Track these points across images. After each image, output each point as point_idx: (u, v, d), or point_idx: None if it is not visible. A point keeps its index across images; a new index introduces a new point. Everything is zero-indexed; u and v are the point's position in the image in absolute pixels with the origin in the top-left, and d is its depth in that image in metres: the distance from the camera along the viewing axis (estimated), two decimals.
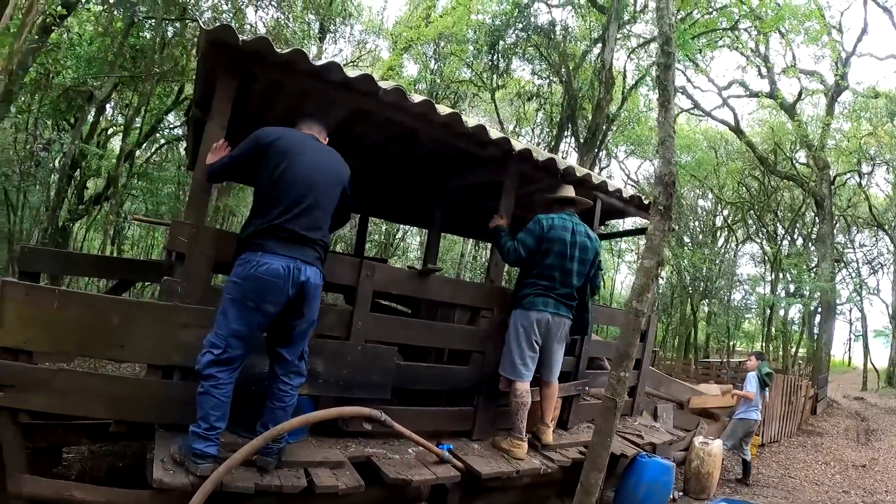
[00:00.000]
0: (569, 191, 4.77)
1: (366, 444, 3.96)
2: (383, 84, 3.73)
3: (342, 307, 4.69)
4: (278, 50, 3.40)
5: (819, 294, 21.08)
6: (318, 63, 3.53)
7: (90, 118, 13.18)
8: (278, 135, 3.23)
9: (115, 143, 17.80)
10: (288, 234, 3.09)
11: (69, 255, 6.35)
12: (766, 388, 8.53)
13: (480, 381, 4.60)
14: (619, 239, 23.12)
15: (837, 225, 25.32)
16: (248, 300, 3.02)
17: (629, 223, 19.04)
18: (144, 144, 15.73)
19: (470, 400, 4.68)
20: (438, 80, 18.28)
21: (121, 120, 16.50)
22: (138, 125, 14.51)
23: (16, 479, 3.14)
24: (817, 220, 23.14)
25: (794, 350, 28.26)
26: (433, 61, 18.65)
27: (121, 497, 3.20)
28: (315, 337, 3.73)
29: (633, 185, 27.95)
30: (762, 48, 21.02)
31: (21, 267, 4.45)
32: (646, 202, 5.90)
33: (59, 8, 9.76)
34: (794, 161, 24.18)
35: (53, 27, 10.24)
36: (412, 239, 25.53)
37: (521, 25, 16.50)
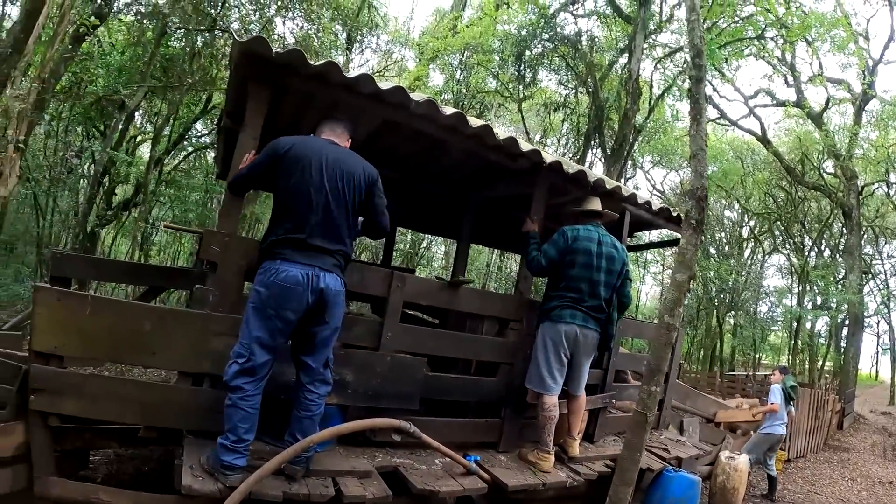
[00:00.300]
0: (595, 203, 4.75)
1: (393, 454, 3.96)
2: (415, 96, 3.74)
3: (371, 317, 4.70)
4: (311, 62, 3.42)
5: (846, 306, 20.71)
6: (351, 75, 3.55)
7: (119, 126, 13.40)
8: (292, 144, 3.22)
9: (143, 151, 18.11)
10: (305, 244, 3.10)
11: (100, 260, 6.45)
12: (791, 402, 8.36)
13: (508, 393, 4.59)
14: (644, 251, 22.90)
15: (865, 236, 24.87)
16: (269, 307, 3.04)
17: (654, 235, 18.94)
18: (172, 152, 15.96)
19: (497, 412, 4.67)
20: (464, 91, 18.29)
21: (149, 128, 16.78)
22: (167, 133, 14.72)
23: (43, 481, 3.18)
24: (845, 231, 22.79)
25: (820, 363, 27.77)
26: (459, 71, 18.66)
27: (147, 501, 3.24)
28: (345, 347, 3.75)
29: (658, 196, 27.71)
30: (788, 57, 20.76)
31: (53, 272, 4.50)
32: (674, 214, 5.86)
33: (92, 18, 9.95)
34: (822, 171, 23.82)
35: (86, 36, 10.44)
36: (437, 248, 25.54)
37: (547, 36, 16.46)
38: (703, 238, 3.87)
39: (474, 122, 4.03)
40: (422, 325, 6.11)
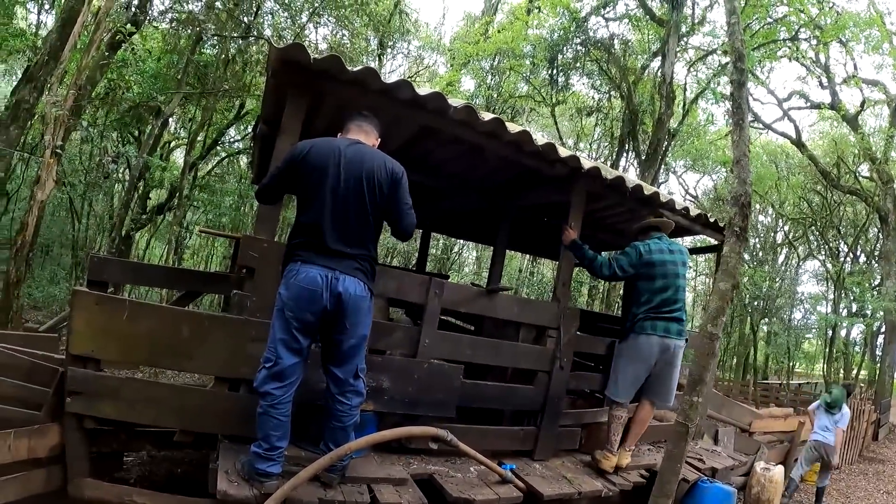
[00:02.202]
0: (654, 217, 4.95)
1: (428, 462, 3.93)
2: (453, 102, 3.71)
3: (403, 320, 4.68)
4: (349, 68, 3.42)
5: (882, 314, 20.18)
6: (389, 81, 3.54)
7: (155, 132, 13.64)
8: (310, 146, 3.15)
9: (177, 156, 18.41)
10: (324, 247, 3.05)
11: (138, 265, 6.53)
12: (833, 413, 8.12)
13: (545, 401, 4.54)
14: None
15: None
16: (288, 309, 3.01)
17: (687, 241, 18.68)
18: (206, 157, 16.19)
19: (533, 420, 4.62)
20: (495, 95, 18.26)
21: (183, 133, 17.04)
22: (201, 139, 14.94)
23: (77, 482, 3.23)
24: (881, 236, 22.22)
25: (855, 372, 27.14)
26: (490, 76, 18.64)
27: None
28: (382, 354, 3.73)
29: (692, 201, 27.35)
30: (822, 58, 20.32)
31: (90, 276, 4.54)
32: (711, 219, 5.77)
33: (128, 25, 10.13)
34: (857, 175, 23.29)
35: (122, 44, 10.63)
36: (468, 254, 25.54)
37: (579, 40, 16.36)
38: (746, 245, 3.79)
39: (513, 127, 3.99)
40: (457, 332, 6.08)
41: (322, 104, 4.22)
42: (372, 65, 4.55)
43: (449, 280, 7.15)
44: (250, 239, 3.46)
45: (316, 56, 3.36)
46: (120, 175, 15.39)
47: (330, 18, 13.86)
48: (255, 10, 11.85)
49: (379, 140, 3.45)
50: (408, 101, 3.69)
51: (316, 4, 12.92)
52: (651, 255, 4.54)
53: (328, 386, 3.22)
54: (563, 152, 4.25)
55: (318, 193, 3.08)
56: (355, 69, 3.44)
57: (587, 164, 4.40)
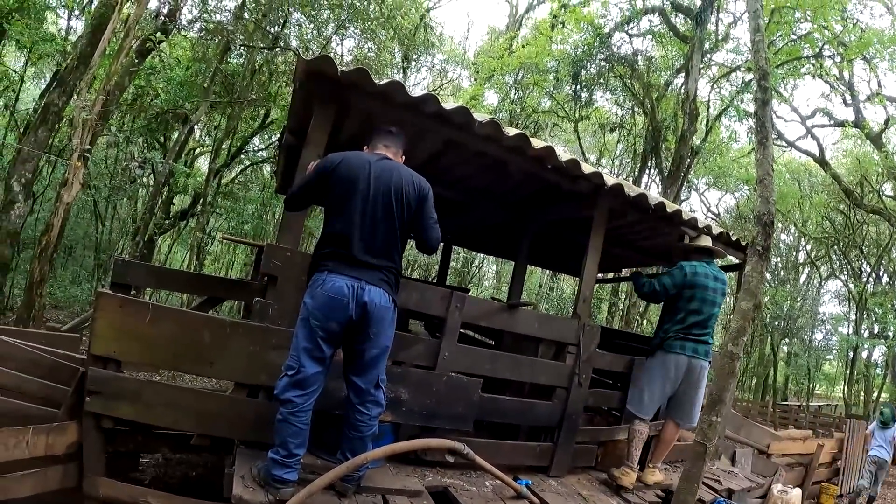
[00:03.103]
0: (706, 240, 5.01)
1: (443, 474, 3.93)
2: (478, 116, 3.73)
3: (422, 333, 4.69)
4: (376, 81, 3.45)
5: None
6: (415, 95, 3.56)
7: (180, 138, 13.84)
8: (341, 159, 3.19)
9: (202, 163, 18.65)
10: (352, 258, 3.07)
11: (161, 269, 6.58)
12: (887, 429, 9.67)
13: (562, 418, 4.52)
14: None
15: None
16: (314, 318, 3.02)
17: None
18: (230, 165, 16.38)
19: (550, 435, 4.60)
20: (518, 110, 18.30)
21: (208, 141, 17.28)
22: (225, 147, 15.13)
23: (93, 480, 3.27)
24: None
25: (876, 395, 26.68)
26: (514, 91, 18.68)
27: None
28: (401, 365, 3.74)
29: (714, 219, 27.14)
30: (846, 75, 20.13)
31: (114, 278, 4.61)
32: (733, 238, 5.73)
33: (157, 34, 10.30)
34: (881, 194, 22.98)
35: (151, 51, 10.81)
36: (488, 267, 25.55)
37: (602, 56, 16.34)
38: (768, 265, 3.77)
39: (537, 143, 4.01)
40: (477, 345, 6.09)
41: (347, 116, 4.25)
42: (397, 77, 4.59)
43: (469, 293, 7.13)
44: (274, 247, 3.49)
45: (343, 68, 3.40)
46: (145, 180, 15.62)
47: (355, 31, 14.00)
48: (282, 21, 11.99)
49: (403, 157, 3.48)
50: (433, 115, 3.71)
51: (342, 17, 13.06)
52: (696, 278, 4.64)
53: (348, 395, 3.23)
54: (587, 168, 4.26)
55: (347, 205, 3.12)
56: (382, 82, 3.47)
57: (610, 180, 4.39)
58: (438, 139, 4.28)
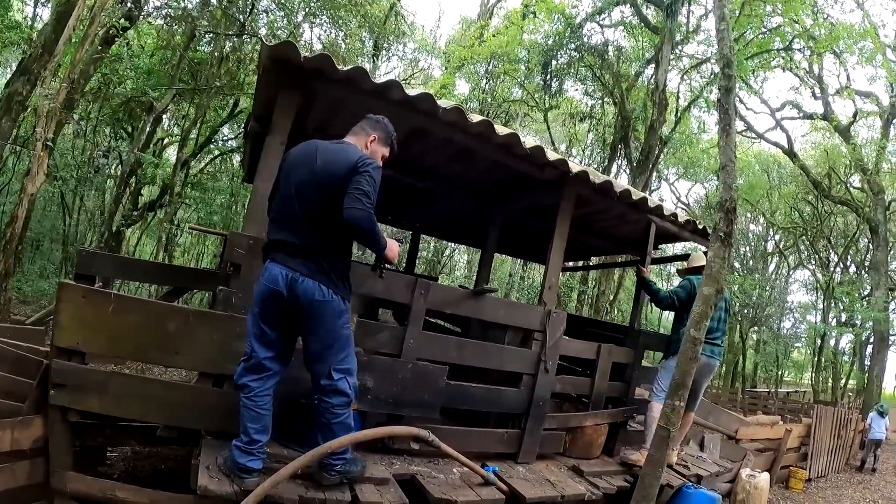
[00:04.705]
0: (702, 259, 5.43)
1: (411, 462, 3.93)
2: (443, 103, 3.73)
3: (391, 323, 4.68)
4: (340, 67, 3.43)
5: (871, 324, 20.33)
6: (379, 81, 3.54)
7: (147, 128, 13.61)
8: (291, 150, 3.21)
9: (171, 153, 18.36)
10: (282, 246, 3.06)
11: (126, 260, 6.50)
12: (883, 416, 13.43)
13: (529, 404, 4.55)
14: (668, 264, 22.67)
15: (892, 251, 24.39)
16: (256, 304, 3.07)
17: (679, 248, 18.79)
18: (199, 155, 16.15)
19: (518, 422, 4.62)
20: (490, 100, 18.31)
21: (176, 131, 17.01)
22: (193, 136, 14.91)
23: (61, 475, 3.21)
24: (871, 247, 22.43)
25: (843, 382, 27.31)
26: (485, 80, 18.68)
27: (165, 500, 3.23)
28: (367, 353, 3.73)
29: (683, 209, 27.44)
30: (816, 69, 20.53)
31: (79, 269, 4.53)
32: (700, 227, 5.81)
33: (122, 21, 10.10)
34: (849, 185, 23.46)
35: (116, 39, 10.60)
36: (460, 257, 25.58)
37: (573, 46, 16.42)
38: (731, 252, 3.83)
39: (502, 130, 4.01)
40: (444, 333, 6.10)
41: (313, 103, 4.23)
42: (367, 66, 4.55)
43: (437, 282, 7.14)
44: (237, 236, 3.46)
45: (307, 54, 3.37)
46: (112, 171, 15.36)
47: (325, 18, 13.86)
48: (249, 8, 11.82)
49: (373, 138, 3.30)
50: (399, 102, 3.70)
51: (312, 4, 12.92)
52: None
53: (311, 384, 3.23)
54: (552, 156, 4.27)
55: (279, 194, 3.15)
56: (346, 68, 3.45)
57: (575, 167, 4.42)
58: (405, 127, 4.24)
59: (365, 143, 3.28)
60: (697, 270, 5.41)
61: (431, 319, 7.44)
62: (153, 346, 3.33)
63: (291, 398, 3.31)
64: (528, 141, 4.21)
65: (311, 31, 15.31)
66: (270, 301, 3.02)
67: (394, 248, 3.19)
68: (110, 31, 10.09)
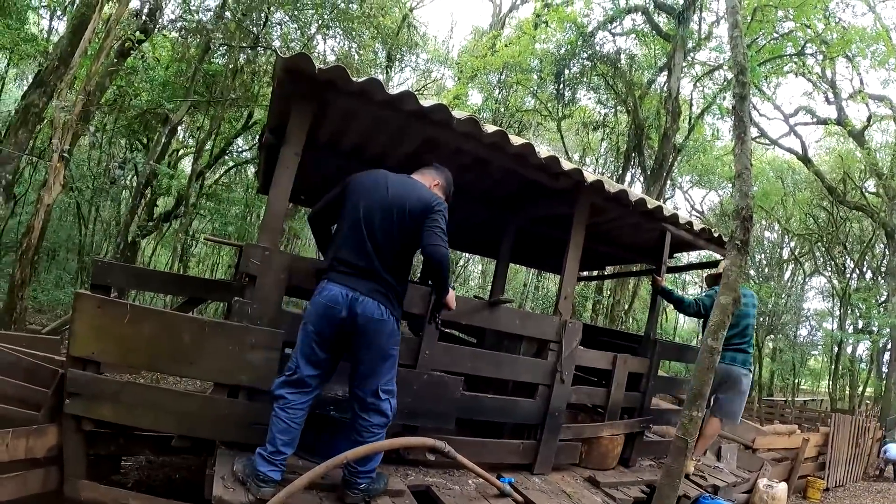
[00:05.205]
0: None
1: (426, 473, 3.92)
2: (457, 114, 3.73)
3: (408, 335, 4.67)
4: (354, 79, 3.44)
5: (889, 330, 20.03)
6: (393, 92, 3.55)
7: (163, 139, 13.73)
8: (356, 175, 3.32)
9: (185, 164, 18.52)
10: (348, 268, 3.12)
11: (142, 270, 6.54)
12: None
13: (545, 415, 4.52)
14: (683, 272, 22.48)
15: None
16: (310, 323, 3.10)
17: (693, 256, 18.66)
18: (214, 166, 16.26)
19: (533, 433, 4.59)
20: (502, 109, 18.33)
21: (191, 142, 17.15)
22: (208, 148, 15.01)
23: (74, 483, 3.24)
24: (887, 252, 22.09)
25: (861, 389, 26.92)
26: (498, 90, 18.71)
27: None
28: None
29: (697, 216, 27.27)
30: (829, 73, 20.32)
31: (94, 279, 4.57)
32: (715, 234, 5.77)
33: (137, 33, 10.21)
34: (864, 190, 23.20)
35: (131, 51, 10.71)
36: (474, 267, 25.56)
37: (586, 54, 16.42)
38: (748, 260, 3.81)
39: (516, 140, 4.00)
40: (459, 344, 6.07)
41: (327, 114, 4.24)
42: (379, 77, 4.56)
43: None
44: (252, 247, 3.46)
45: (321, 66, 3.39)
46: (127, 182, 15.49)
47: (338, 30, 13.95)
48: (263, 21, 11.91)
49: (437, 183, 3.51)
50: (412, 113, 3.70)
51: (325, 16, 13.00)
52: None
53: (351, 402, 3.27)
54: (566, 165, 4.26)
55: (349, 218, 3.20)
56: (360, 80, 3.46)
57: (590, 177, 4.40)
58: (418, 137, 4.27)
59: (430, 186, 3.43)
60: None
61: (447, 330, 7.43)
62: (168, 357, 3.35)
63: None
64: (543, 150, 4.20)
65: (325, 42, 15.45)
66: (328, 320, 3.08)
67: (453, 296, 3.46)
68: (125, 44, 10.20)
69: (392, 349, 3.22)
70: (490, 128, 3.88)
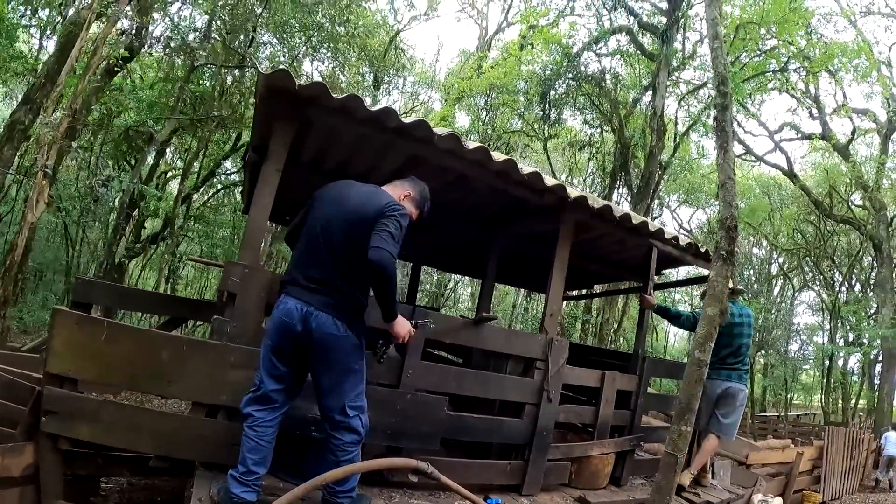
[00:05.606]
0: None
1: (410, 496, 3.83)
2: (439, 130, 3.71)
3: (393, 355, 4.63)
4: (334, 95, 3.42)
5: (879, 342, 20.11)
6: (374, 108, 3.54)
7: (150, 160, 13.68)
8: (322, 189, 3.29)
9: (174, 186, 18.46)
10: (302, 280, 3.07)
11: (124, 289, 6.49)
12: None
13: (533, 435, 4.44)
14: (672, 289, 22.52)
15: None
16: (269, 337, 3.06)
17: (682, 273, 18.70)
18: (202, 188, 16.21)
19: (521, 453, 4.51)
20: (490, 131, 18.45)
21: (180, 164, 17.11)
22: (196, 170, 14.98)
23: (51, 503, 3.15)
24: (875, 265, 22.25)
25: (854, 402, 26.95)
26: (485, 112, 18.83)
27: None
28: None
29: (686, 234, 27.36)
30: (812, 89, 20.63)
31: (76, 297, 4.52)
32: (703, 250, 5.76)
33: (123, 51, 10.20)
34: (850, 204, 23.41)
35: (117, 69, 10.70)
36: (464, 289, 25.54)
37: (571, 75, 16.57)
38: (733, 271, 3.79)
39: (498, 156, 3.99)
40: (445, 364, 6.00)
41: (310, 132, 4.21)
42: (367, 99, 4.56)
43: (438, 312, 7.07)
44: (233, 265, 3.42)
45: (301, 82, 3.37)
46: (114, 203, 15.40)
47: (326, 51, 14.01)
48: (249, 41, 11.93)
49: (407, 194, 3.39)
50: (394, 130, 3.69)
51: (313, 38, 13.05)
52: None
53: (321, 421, 3.19)
54: (550, 181, 4.25)
55: (306, 230, 3.17)
56: (340, 96, 3.45)
57: (574, 192, 4.39)
58: (401, 155, 4.25)
59: (399, 196, 3.33)
60: (734, 294, 5.47)
61: (435, 352, 7.37)
62: (146, 375, 3.29)
63: (287, 430, 3.23)
64: (525, 167, 4.18)
65: (312, 64, 15.52)
66: (283, 334, 3.02)
67: (404, 327, 3.24)
68: (110, 62, 10.18)
69: (355, 365, 3.11)
70: (472, 144, 3.87)
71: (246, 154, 4.85)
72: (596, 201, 4.57)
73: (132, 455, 3.67)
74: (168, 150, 15.67)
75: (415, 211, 3.41)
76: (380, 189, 3.27)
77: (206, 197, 17.95)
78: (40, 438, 3.15)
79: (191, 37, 11.66)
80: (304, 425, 3.38)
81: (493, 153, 3.95)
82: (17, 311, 11.86)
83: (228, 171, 18.01)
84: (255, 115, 4.11)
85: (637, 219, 4.87)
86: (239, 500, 2.89)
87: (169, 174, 18.14)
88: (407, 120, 3.62)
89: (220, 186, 18.23)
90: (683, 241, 5.57)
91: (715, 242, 3.78)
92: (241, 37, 11.91)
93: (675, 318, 5.68)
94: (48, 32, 14.17)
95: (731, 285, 5.45)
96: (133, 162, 15.34)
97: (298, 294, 3.03)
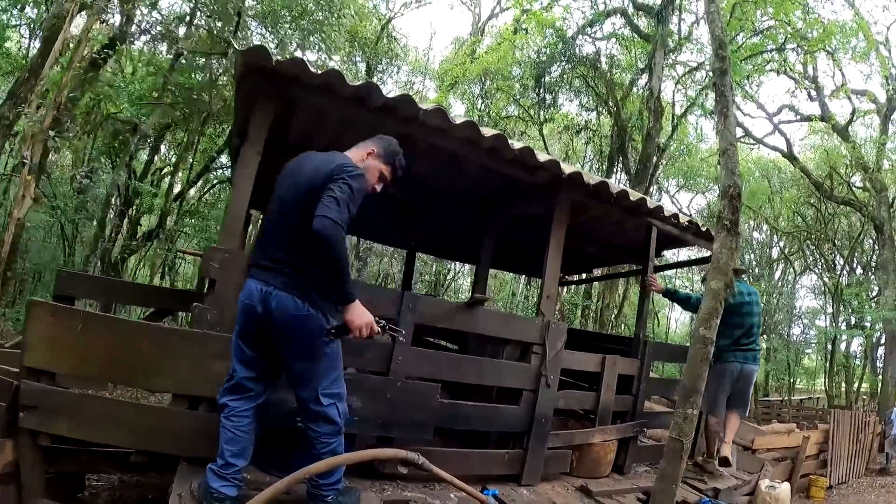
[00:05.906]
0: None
1: (404, 488, 3.69)
2: (425, 106, 3.56)
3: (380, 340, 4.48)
4: (315, 71, 3.27)
5: (882, 324, 19.99)
6: (356, 84, 3.38)
7: (144, 157, 13.53)
8: (284, 166, 3.07)
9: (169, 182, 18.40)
10: (260, 260, 2.89)
11: (110, 281, 6.34)
12: None
13: (531, 422, 4.29)
14: (671, 271, 22.35)
15: None
16: (236, 322, 2.92)
17: (683, 254, 18.56)
18: (198, 183, 16.08)
19: (519, 442, 4.37)
20: (486, 119, 18.28)
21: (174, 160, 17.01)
22: (190, 165, 14.84)
23: (34, 502, 3.08)
24: (877, 246, 22.10)
25: (857, 385, 26.88)
26: (480, 100, 18.66)
27: None
28: (354, 372, 3.53)
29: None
30: (810, 70, 20.43)
31: (58, 290, 4.40)
32: (703, 229, 5.62)
33: (100, 37, 10.05)
34: (851, 185, 23.24)
35: (101, 61, 10.56)
36: (464, 280, 25.39)
37: (565, 57, 16.38)
38: (737, 242, 3.64)
39: (488, 132, 3.83)
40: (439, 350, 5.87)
41: (294, 113, 4.06)
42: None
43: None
44: (213, 250, 3.27)
45: (279, 58, 3.21)
46: (102, 196, 15.30)
47: (316, 39, 13.84)
48: (235, 27, 11.70)
49: (370, 151, 3.09)
50: (379, 108, 3.56)
51: (302, 26, 12.88)
52: (732, 298, 4.91)
53: (298, 412, 3.03)
54: (543, 157, 4.09)
55: (270, 209, 2.99)
56: (321, 72, 3.29)
57: (568, 169, 4.24)
58: (388, 134, 4.09)
59: (361, 157, 3.05)
60: (737, 273, 5.33)
61: (431, 339, 7.22)
62: (125, 367, 3.17)
63: (270, 423, 3.09)
64: (516, 143, 4.03)
65: (304, 54, 15.32)
66: (246, 317, 2.86)
67: (362, 317, 2.80)
68: (95, 52, 10.04)
69: (325, 348, 2.87)
70: (459, 119, 3.72)
71: (229, 138, 4.71)
72: (591, 178, 4.43)
73: (116, 451, 3.55)
74: (162, 146, 15.50)
75: (384, 167, 3.11)
76: (336, 153, 2.97)
77: (201, 192, 17.82)
78: (20, 435, 3.03)
79: (174, 26, 11.50)
80: (290, 417, 3.24)
81: (482, 129, 3.80)
82: (14, 312, 11.81)
83: (223, 166, 17.90)
84: (236, 99, 4.00)
85: (634, 195, 4.73)
86: (218, 494, 2.75)
87: (164, 170, 18.03)
88: (391, 95, 3.47)
89: (215, 181, 18.10)
90: (683, 219, 5.42)
91: (718, 212, 3.63)
92: (226, 24, 11.71)
93: (685, 301, 5.68)
94: (37, 31, 14.02)
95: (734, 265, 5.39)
96: (128, 160, 15.22)
97: (259, 275, 2.85)
